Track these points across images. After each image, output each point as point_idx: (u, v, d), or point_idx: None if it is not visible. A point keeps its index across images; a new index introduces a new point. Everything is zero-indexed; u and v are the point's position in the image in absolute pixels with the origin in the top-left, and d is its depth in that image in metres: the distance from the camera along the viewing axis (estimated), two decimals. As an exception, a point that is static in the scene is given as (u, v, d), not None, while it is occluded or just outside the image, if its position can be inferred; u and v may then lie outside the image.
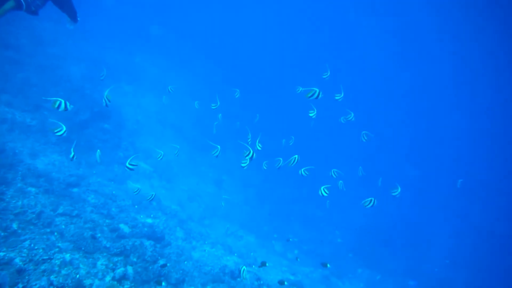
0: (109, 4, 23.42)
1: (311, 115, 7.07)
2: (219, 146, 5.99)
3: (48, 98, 3.84)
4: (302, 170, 6.87)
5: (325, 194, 6.04)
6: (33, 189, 6.31)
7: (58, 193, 6.91)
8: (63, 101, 4.41)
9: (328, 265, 7.48)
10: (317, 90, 5.38)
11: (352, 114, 8.21)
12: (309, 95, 5.43)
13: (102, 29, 18.86)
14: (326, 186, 6.05)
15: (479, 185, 25.19)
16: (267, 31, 37.96)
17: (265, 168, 8.24)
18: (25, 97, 9.40)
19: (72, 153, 5.87)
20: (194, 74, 20.68)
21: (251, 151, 5.22)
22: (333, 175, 7.61)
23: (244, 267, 6.04)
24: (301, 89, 5.40)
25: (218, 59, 25.95)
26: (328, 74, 8.03)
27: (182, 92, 18.24)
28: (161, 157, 7.07)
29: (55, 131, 5.67)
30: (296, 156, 8.80)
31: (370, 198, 5.77)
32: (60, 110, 4.47)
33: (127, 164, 5.12)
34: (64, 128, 5.71)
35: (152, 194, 6.74)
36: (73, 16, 5.64)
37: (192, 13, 32.99)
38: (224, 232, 11.77)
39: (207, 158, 15.24)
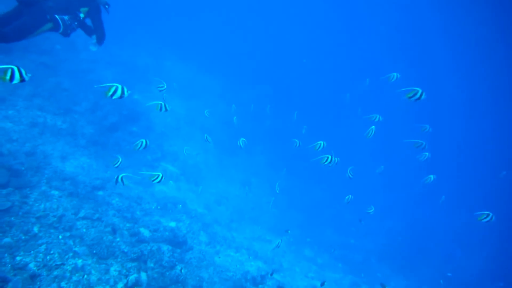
0: (140, 9, 24.06)
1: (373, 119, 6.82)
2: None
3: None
4: (348, 170, 6.58)
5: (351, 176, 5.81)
6: (56, 192, 6.42)
7: (82, 196, 7.01)
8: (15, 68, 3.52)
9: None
10: (420, 90, 4.87)
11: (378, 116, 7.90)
12: (410, 95, 4.96)
13: (134, 34, 19.34)
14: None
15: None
16: (294, 30, 37.73)
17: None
18: (56, 101, 9.68)
19: (120, 160, 6.00)
20: (224, 76, 20.69)
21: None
22: (350, 175, 7.37)
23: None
24: (402, 89, 5.02)
25: (247, 59, 25.90)
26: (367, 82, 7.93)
27: (212, 94, 18.35)
28: (188, 154, 6.95)
29: (114, 163, 5.92)
30: (329, 156, 8.51)
31: (487, 213, 5.35)
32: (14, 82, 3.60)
33: (150, 178, 5.13)
34: (121, 160, 5.83)
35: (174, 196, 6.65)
36: (101, 37, 5.71)
37: (220, 16, 33.27)
38: (251, 236, 11.62)
39: (235, 160, 15.19)
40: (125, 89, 4.19)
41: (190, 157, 12.79)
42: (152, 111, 13.34)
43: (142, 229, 7.01)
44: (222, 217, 11.55)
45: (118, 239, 6.18)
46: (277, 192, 6.75)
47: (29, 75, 3.40)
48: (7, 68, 3.24)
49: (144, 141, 5.85)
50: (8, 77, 3.31)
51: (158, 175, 5.42)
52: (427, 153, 8.00)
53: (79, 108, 10.18)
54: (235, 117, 12.68)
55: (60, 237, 5.42)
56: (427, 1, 27.34)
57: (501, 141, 30.54)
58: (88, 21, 5.57)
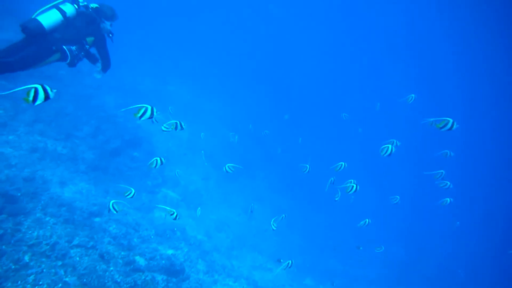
0: (143, 33, 24.59)
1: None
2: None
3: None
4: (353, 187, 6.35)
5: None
6: (51, 219, 6.33)
7: (78, 223, 6.91)
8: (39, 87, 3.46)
9: None
10: (450, 120, 4.79)
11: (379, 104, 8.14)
12: (441, 125, 4.87)
13: (137, 58, 19.65)
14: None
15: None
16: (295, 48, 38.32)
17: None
18: (58, 126, 9.73)
19: (132, 192, 5.98)
20: (226, 101, 20.85)
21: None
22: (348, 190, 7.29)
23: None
24: (431, 119, 4.96)
25: (249, 83, 26.23)
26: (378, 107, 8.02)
27: (214, 119, 18.40)
28: (180, 175, 6.91)
29: (126, 193, 6.00)
30: (332, 178, 8.46)
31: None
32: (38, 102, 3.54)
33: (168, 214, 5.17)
34: (133, 192, 5.83)
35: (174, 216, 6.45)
36: (106, 66, 5.80)
37: (224, 40, 33.90)
38: (251, 264, 11.36)
39: (237, 185, 15.05)
40: (155, 110, 4.23)
41: (191, 182, 12.71)
42: (155, 135, 13.37)
43: (137, 257, 6.86)
44: (223, 244, 11.34)
45: (111, 268, 6.03)
46: (274, 229, 6.60)
47: (54, 90, 3.35)
48: (30, 88, 3.16)
49: (158, 159, 5.90)
50: (31, 98, 3.27)
51: (173, 212, 5.68)
52: (448, 182, 7.75)
53: (81, 133, 10.21)
54: (236, 136, 12.68)
55: (51, 266, 5.29)
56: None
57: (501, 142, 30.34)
58: (93, 50, 5.64)
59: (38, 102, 3.28)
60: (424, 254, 17.95)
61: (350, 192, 6.14)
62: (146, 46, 23.48)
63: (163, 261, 7.21)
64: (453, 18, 26.90)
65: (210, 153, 14.90)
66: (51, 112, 9.95)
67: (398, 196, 10.11)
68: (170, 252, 8.26)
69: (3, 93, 3.24)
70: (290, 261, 6.33)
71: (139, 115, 4.14)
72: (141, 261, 6.82)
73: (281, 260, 9.27)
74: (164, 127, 5.38)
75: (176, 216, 5.62)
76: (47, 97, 3.27)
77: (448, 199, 8.41)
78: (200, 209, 9.29)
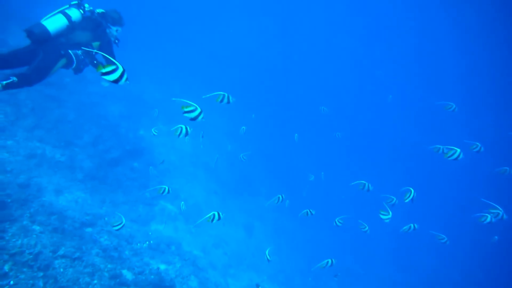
0: (151, 42, 24.88)
1: None
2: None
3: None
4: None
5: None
6: (37, 228, 6.16)
7: (68, 233, 6.73)
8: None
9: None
10: (458, 150, 5.03)
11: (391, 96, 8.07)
12: (448, 155, 5.16)
13: (144, 67, 19.75)
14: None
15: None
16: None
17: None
18: (58, 133, 9.67)
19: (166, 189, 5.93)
20: (232, 115, 20.73)
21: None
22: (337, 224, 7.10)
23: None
24: (440, 147, 5.06)
25: (257, 101, 26.19)
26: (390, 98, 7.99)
27: (220, 134, 18.26)
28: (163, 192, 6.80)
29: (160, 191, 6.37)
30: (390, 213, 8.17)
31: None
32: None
33: None
34: (124, 222, 5.76)
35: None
36: None
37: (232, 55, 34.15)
38: (247, 284, 11.01)
39: (239, 202, 14.79)
40: (230, 97, 4.34)
41: (191, 196, 12.50)
42: (157, 147, 13.25)
43: (124, 271, 6.63)
44: (219, 261, 11.04)
45: (95, 282, 5.81)
46: (269, 260, 6.37)
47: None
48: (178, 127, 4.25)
49: (166, 188, 6.37)
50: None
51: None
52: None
53: (81, 141, 10.13)
54: (242, 155, 12.45)
55: (31, 277, 5.09)
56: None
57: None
58: (99, 57, 5.56)
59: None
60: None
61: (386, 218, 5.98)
62: (154, 55, 23.72)
63: (152, 276, 6.97)
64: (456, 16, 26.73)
65: (213, 169, 14.72)
66: (53, 118, 9.92)
67: (415, 225, 9.64)
68: (162, 266, 8.01)
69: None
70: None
71: (185, 110, 4.01)
72: (128, 275, 6.59)
73: (259, 286, 9.00)
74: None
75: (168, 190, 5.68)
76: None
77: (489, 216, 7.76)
78: (184, 204, 8.96)
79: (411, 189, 5.64)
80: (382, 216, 5.89)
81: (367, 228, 7.62)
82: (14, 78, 4.31)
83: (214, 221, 4.95)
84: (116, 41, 5.71)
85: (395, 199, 6.85)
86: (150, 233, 9.41)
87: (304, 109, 27.22)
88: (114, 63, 3.16)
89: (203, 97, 4.41)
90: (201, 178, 14.04)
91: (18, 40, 5.06)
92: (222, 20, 37.90)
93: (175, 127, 5.06)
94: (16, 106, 9.21)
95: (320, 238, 16.59)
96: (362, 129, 31.59)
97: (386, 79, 37.42)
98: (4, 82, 4.23)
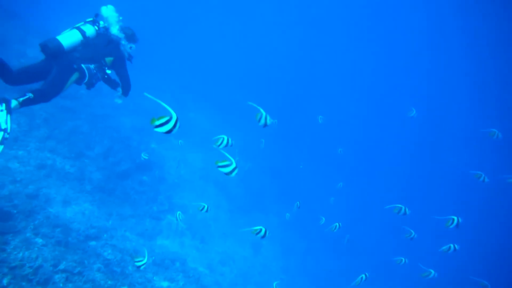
0: (165, 56, 25.24)
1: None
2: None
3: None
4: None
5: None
6: (40, 240, 6.14)
7: (71, 246, 6.70)
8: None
9: None
10: (482, 175, 5.28)
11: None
12: (477, 177, 5.51)
13: (159, 83, 19.98)
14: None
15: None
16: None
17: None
18: (70, 144, 9.76)
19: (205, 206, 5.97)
20: (248, 134, 20.75)
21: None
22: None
23: None
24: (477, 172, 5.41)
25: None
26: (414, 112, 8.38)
27: (232, 151, 18.19)
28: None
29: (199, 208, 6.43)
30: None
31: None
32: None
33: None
34: (206, 206, 5.84)
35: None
36: (126, 88, 5.76)
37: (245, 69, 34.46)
38: (253, 304, 10.79)
39: (248, 219, 14.61)
40: (268, 118, 4.32)
41: (200, 211, 12.39)
42: (168, 161, 13.28)
43: (125, 288, 6.54)
44: (225, 279, 10.85)
45: (93, 299, 5.73)
46: None
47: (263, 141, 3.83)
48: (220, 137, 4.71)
49: (206, 205, 6.57)
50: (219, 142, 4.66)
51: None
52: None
53: (91, 153, 10.21)
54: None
55: (28, 291, 5.05)
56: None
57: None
58: (112, 73, 5.60)
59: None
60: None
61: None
62: (169, 68, 24.04)
63: (153, 294, 6.86)
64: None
65: (223, 184, 14.63)
66: (65, 130, 10.03)
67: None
68: (164, 284, 7.90)
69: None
70: None
71: (257, 119, 4.24)
72: (128, 292, 6.50)
73: None
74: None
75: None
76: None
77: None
78: (205, 242, 8.90)
79: (454, 217, 5.65)
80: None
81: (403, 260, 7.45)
82: (30, 94, 4.37)
83: (257, 235, 4.80)
84: (130, 57, 5.75)
85: (413, 233, 6.80)
86: (155, 248, 9.34)
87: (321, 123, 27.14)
88: (168, 112, 3.00)
89: (249, 103, 4.51)
90: (211, 193, 13.97)
91: (37, 52, 5.11)
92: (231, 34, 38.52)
93: (217, 136, 5.04)
94: (30, 117, 9.35)
95: (331, 261, 16.21)
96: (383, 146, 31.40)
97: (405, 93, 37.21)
98: (21, 99, 4.28)
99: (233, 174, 3.85)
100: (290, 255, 14.77)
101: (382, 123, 35.63)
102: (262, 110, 4.24)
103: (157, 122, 2.96)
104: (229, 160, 3.78)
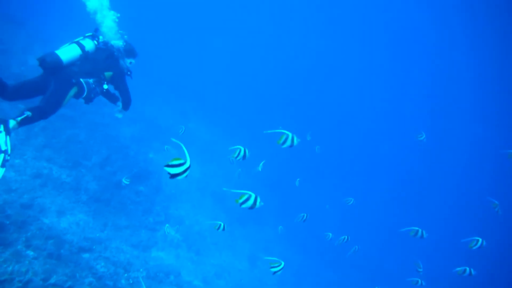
0: (165, 66, 25.34)
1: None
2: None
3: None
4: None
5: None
6: (31, 253, 6.05)
7: (63, 259, 6.61)
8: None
9: None
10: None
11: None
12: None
13: (160, 92, 20.01)
14: None
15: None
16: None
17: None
18: (67, 153, 9.71)
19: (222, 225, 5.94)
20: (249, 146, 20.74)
21: None
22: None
23: None
24: None
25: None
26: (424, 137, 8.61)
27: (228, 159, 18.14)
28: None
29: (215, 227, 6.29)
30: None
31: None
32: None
33: None
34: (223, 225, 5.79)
35: None
36: (126, 103, 5.71)
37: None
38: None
39: (245, 232, 14.51)
40: (295, 138, 4.20)
41: (196, 223, 12.32)
42: (165, 171, 13.19)
43: (116, 304, 6.44)
44: (220, 293, 10.73)
45: (83, 315, 5.63)
46: None
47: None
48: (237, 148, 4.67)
49: (222, 224, 6.37)
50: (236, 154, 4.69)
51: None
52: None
53: (89, 162, 10.15)
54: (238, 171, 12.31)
55: (16, 307, 4.96)
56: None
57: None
58: (111, 88, 5.56)
59: None
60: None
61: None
62: (169, 78, 24.11)
63: (145, 310, 6.75)
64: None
65: (220, 196, 14.53)
66: (63, 138, 10.00)
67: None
68: (157, 299, 7.80)
69: None
70: None
71: (281, 142, 4.14)
72: (119, 308, 6.40)
73: None
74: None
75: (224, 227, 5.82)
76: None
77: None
78: (201, 255, 8.77)
79: (479, 238, 5.68)
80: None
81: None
82: (29, 113, 4.32)
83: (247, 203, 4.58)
84: (129, 72, 5.72)
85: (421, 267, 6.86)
86: (150, 260, 9.23)
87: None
88: (184, 157, 2.92)
89: (265, 132, 4.42)
90: (208, 204, 13.88)
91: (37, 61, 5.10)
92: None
93: (233, 147, 4.95)
94: (28, 126, 9.31)
95: (329, 276, 16.06)
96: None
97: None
98: (19, 118, 4.23)
99: (257, 205, 3.72)
100: (287, 268, 14.60)
101: (383, 125, 35.52)
102: (287, 132, 4.14)
103: (171, 163, 2.91)
104: (247, 193, 3.64)
